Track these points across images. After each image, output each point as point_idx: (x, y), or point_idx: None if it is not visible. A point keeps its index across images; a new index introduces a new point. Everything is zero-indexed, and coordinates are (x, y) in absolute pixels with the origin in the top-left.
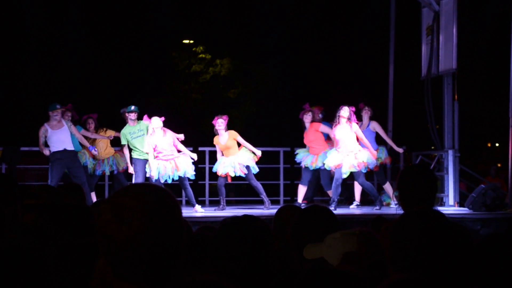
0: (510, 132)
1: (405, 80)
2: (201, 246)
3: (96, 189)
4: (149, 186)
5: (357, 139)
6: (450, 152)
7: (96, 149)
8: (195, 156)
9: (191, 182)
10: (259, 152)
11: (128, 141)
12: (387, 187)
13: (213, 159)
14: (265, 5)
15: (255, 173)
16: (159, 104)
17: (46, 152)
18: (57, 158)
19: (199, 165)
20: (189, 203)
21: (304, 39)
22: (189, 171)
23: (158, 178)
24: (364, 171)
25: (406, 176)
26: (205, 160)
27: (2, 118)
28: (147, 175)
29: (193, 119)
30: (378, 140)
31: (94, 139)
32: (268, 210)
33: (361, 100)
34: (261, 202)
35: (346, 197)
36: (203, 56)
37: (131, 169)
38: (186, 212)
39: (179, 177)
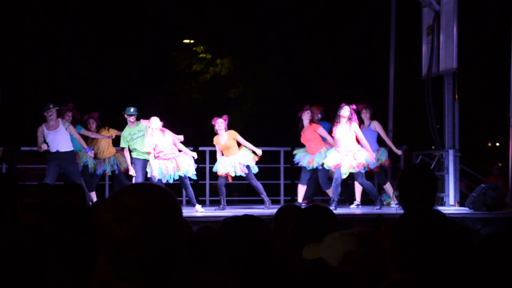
0: (511, 132)
1: (405, 79)
2: (201, 246)
3: (97, 189)
4: (150, 186)
5: (357, 139)
6: (451, 151)
7: (92, 151)
8: (195, 154)
9: (192, 182)
10: (259, 151)
11: (128, 143)
12: (388, 187)
13: (214, 159)
14: (266, 5)
15: (255, 173)
16: (159, 103)
17: (45, 146)
18: (52, 157)
19: (200, 165)
20: (190, 203)
21: (304, 38)
22: (191, 170)
23: (160, 178)
24: (363, 171)
25: (407, 175)
26: (205, 159)
27: (2, 118)
28: (149, 176)
29: (194, 118)
30: (380, 141)
31: (96, 139)
32: (268, 209)
33: (361, 99)
34: (261, 202)
35: (347, 197)
36: (204, 55)
37: (132, 171)
38: (187, 211)
39: (180, 176)
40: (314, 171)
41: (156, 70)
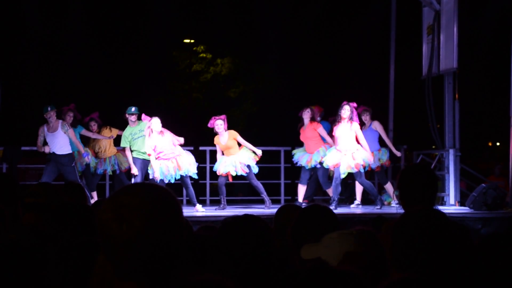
0: (511, 131)
1: (406, 79)
2: (202, 245)
3: (97, 188)
4: (150, 186)
5: (356, 139)
6: (451, 151)
7: (89, 157)
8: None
9: (192, 181)
10: (259, 152)
11: (129, 143)
12: (388, 186)
13: (214, 158)
14: (266, 4)
15: (255, 172)
16: (159, 103)
17: (46, 149)
18: (50, 157)
19: (200, 165)
20: (190, 203)
21: (304, 38)
22: (192, 169)
23: (162, 178)
24: (362, 171)
25: (407, 175)
26: (205, 159)
27: (3, 117)
28: (150, 177)
29: (194, 118)
30: (381, 141)
31: (97, 139)
32: (268, 209)
33: (361, 99)
34: (262, 202)
35: (347, 197)
36: (204, 55)
37: (134, 170)
38: (187, 211)
39: (181, 175)
40: (314, 170)
41: (156, 70)
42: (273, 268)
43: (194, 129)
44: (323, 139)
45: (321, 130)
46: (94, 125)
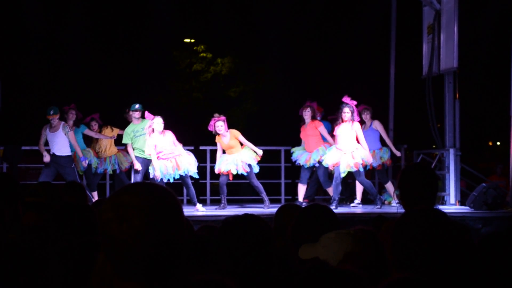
0: (511, 131)
1: (406, 78)
2: (202, 245)
3: (97, 188)
4: (150, 185)
5: (357, 138)
6: (451, 150)
7: (87, 161)
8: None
9: (193, 181)
10: (260, 152)
11: (131, 140)
12: (389, 186)
13: (214, 158)
14: (266, 4)
15: (256, 172)
16: (160, 103)
17: (47, 158)
18: (50, 157)
19: (200, 164)
20: (191, 202)
21: (305, 38)
22: (192, 169)
23: (162, 178)
24: (362, 170)
25: (407, 175)
26: (206, 159)
27: (3, 117)
28: (151, 176)
29: (194, 118)
30: (382, 141)
31: (98, 138)
32: (268, 209)
33: (362, 99)
34: (262, 201)
35: (347, 196)
36: (204, 55)
37: (137, 165)
38: (188, 211)
39: (181, 175)
40: (314, 170)
41: (156, 70)
42: (273, 267)
43: (194, 128)
44: (323, 138)
45: (322, 129)
46: (95, 125)
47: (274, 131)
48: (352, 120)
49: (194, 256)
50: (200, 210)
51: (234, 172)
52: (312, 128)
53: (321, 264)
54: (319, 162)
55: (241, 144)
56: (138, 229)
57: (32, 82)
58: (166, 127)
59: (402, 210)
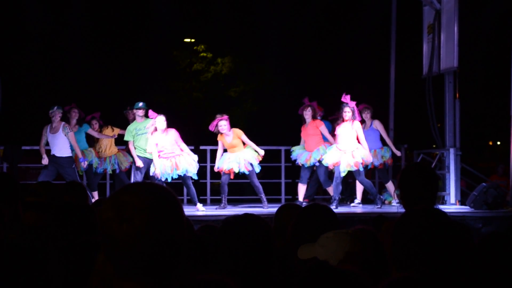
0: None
1: (406, 78)
2: (202, 244)
3: (98, 188)
4: (150, 185)
5: (357, 137)
6: (452, 150)
7: (86, 162)
8: (195, 158)
9: (193, 181)
10: (262, 152)
11: (133, 137)
12: (389, 185)
13: (214, 158)
14: (266, 4)
15: (257, 172)
16: (160, 102)
17: (43, 160)
18: (50, 157)
19: (200, 164)
20: (191, 202)
21: (305, 37)
22: (191, 170)
23: (160, 177)
24: (361, 169)
25: (408, 174)
26: (206, 159)
27: (3, 117)
28: (151, 174)
29: (194, 117)
30: (383, 140)
31: (98, 139)
32: (267, 208)
33: (362, 98)
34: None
35: (347, 196)
36: (204, 54)
37: (139, 163)
38: (188, 211)
39: (179, 175)
40: (314, 169)
41: (157, 69)
42: (274, 267)
43: (195, 128)
44: (324, 138)
45: (323, 128)
46: (95, 124)
47: (274, 131)
48: (353, 119)
49: (194, 256)
50: (200, 210)
51: (236, 171)
52: (313, 128)
53: (321, 264)
54: (319, 162)
55: (243, 143)
56: (138, 228)
57: (32, 82)
58: (167, 126)
59: (403, 210)
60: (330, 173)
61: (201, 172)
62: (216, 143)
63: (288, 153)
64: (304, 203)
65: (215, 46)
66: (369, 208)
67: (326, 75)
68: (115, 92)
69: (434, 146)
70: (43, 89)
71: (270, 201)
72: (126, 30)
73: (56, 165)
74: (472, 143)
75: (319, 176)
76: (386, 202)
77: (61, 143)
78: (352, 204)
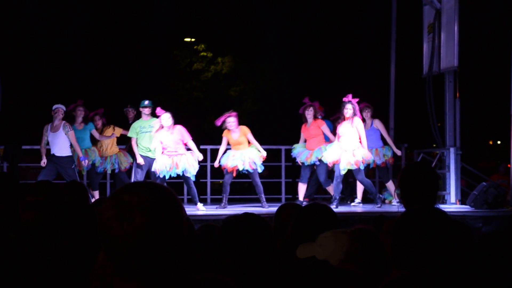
0: None
1: (406, 77)
2: (203, 244)
3: (98, 187)
4: (151, 184)
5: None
6: (452, 149)
7: (86, 161)
8: (200, 156)
9: (193, 180)
10: (264, 153)
11: (136, 134)
12: (390, 185)
13: (215, 157)
14: (266, 3)
15: (260, 172)
16: (160, 102)
17: (43, 163)
18: (50, 157)
19: (201, 164)
20: (191, 201)
21: (305, 37)
22: (190, 170)
23: (159, 174)
24: (362, 168)
25: (408, 174)
26: (206, 158)
27: (3, 116)
28: (152, 170)
29: (195, 117)
30: (383, 139)
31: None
32: (267, 208)
33: (362, 98)
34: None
35: (348, 195)
36: (205, 54)
37: (140, 160)
38: (188, 210)
39: (179, 175)
40: (314, 168)
41: (157, 69)
42: (274, 266)
43: (195, 128)
44: (326, 138)
45: (325, 128)
46: (98, 120)
47: (274, 130)
48: (353, 116)
49: (194, 255)
50: (200, 209)
51: (241, 168)
52: (315, 128)
53: (321, 263)
54: (320, 160)
55: (248, 142)
56: (139, 228)
57: (32, 81)
58: (178, 125)
59: (403, 209)
60: (330, 173)
61: (202, 171)
62: (216, 142)
63: (288, 152)
64: (304, 203)
65: (215, 46)
66: (369, 208)
67: (326, 75)
68: (115, 91)
69: (434, 145)
70: (43, 88)
71: (270, 200)
72: (126, 30)
73: (56, 164)
74: (472, 143)
75: (319, 175)
76: (387, 201)
77: (61, 142)
78: (352, 204)
